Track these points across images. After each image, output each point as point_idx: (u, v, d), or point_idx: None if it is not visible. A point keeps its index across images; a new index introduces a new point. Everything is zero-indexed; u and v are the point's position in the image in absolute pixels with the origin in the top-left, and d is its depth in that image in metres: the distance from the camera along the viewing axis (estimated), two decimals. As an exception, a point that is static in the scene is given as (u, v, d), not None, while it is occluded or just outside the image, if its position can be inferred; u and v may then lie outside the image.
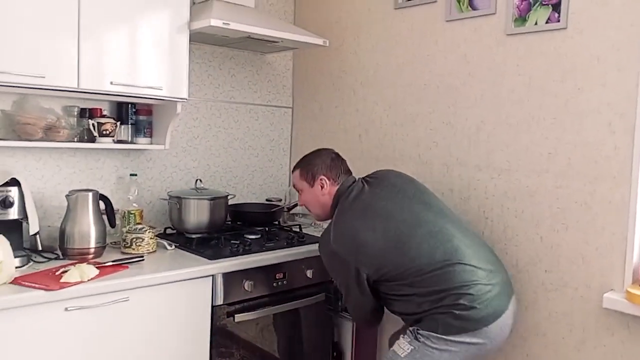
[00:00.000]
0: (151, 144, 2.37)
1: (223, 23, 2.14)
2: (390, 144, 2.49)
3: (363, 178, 2.02)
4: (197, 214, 2.31)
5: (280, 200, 2.78)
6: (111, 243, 2.13)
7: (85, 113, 2.20)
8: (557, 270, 1.94)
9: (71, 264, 1.80)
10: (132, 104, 2.31)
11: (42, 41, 1.83)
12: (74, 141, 2.13)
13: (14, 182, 1.84)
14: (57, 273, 1.73)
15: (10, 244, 1.69)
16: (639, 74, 1.73)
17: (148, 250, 2.07)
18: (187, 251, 2.14)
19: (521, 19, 2.01)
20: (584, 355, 1.89)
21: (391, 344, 1.88)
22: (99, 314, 1.73)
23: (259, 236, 2.36)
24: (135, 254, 2.02)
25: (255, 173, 2.88)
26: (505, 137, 2.08)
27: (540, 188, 1.98)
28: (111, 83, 2.00)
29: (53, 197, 2.19)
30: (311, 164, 2.03)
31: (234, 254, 2.10)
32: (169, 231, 2.39)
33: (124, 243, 2.07)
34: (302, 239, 2.37)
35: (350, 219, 1.87)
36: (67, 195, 1.98)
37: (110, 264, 1.88)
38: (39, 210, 1.97)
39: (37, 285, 1.63)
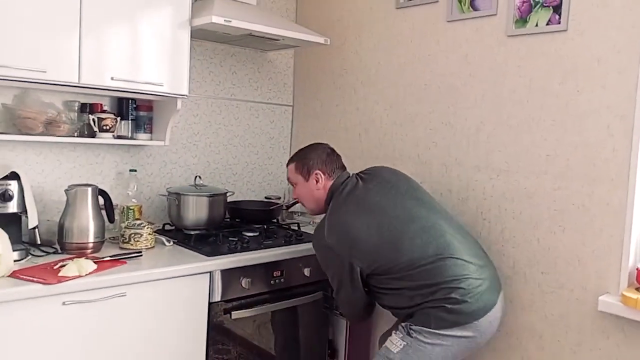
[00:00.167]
0: (151, 140, 2.38)
1: (224, 20, 2.14)
2: (390, 144, 2.50)
3: (357, 174, 2.04)
4: (195, 211, 2.31)
5: (279, 198, 2.79)
6: (110, 238, 2.14)
7: (86, 108, 2.20)
8: (553, 272, 1.94)
9: (69, 259, 1.81)
10: (132, 99, 2.32)
11: (44, 36, 1.84)
12: (74, 136, 2.14)
13: (14, 175, 1.85)
14: (55, 267, 1.74)
15: (9, 238, 1.69)
16: (638, 77, 1.73)
17: (146, 246, 2.08)
18: (185, 247, 2.15)
19: (522, 20, 2.01)
20: (580, 358, 1.89)
21: (381, 344, 1.89)
22: (97, 308, 1.74)
23: (257, 234, 2.37)
24: (133, 249, 2.03)
25: (255, 171, 2.89)
26: (504, 138, 2.08)
27: (539, 189, 1.98)
28: (112, 78, 2.00)
29: (53, 192, 2.19)
30: (307, 158, 2.04)
31: (232, 251, 2.11)
32: (167, 227, 2.40)
33: (123, 238, 2.07)
34: (300, 238, 2.37)
35: (344, 213, 1.88)
36: (66, 190, 1.99)
37: (109, 259, 1.88)
38: (38, 205, 1.98)
39: (35, 279, 1.64)
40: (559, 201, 1.93)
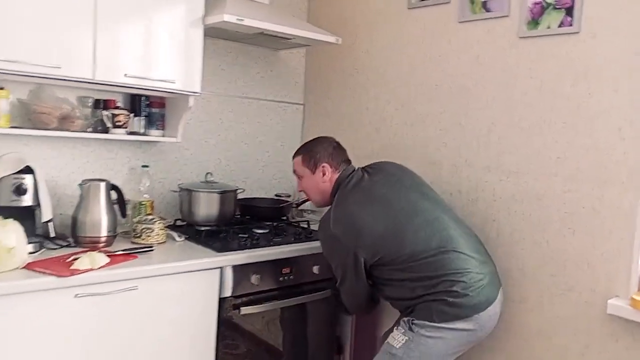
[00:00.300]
0: (163, 136, 2.40)
1: (237, 19, 2.16)
2: (401, 143, 2.50)
3: (362, 167, 2.07)
4: (206, 207, 2.34)
5: (289, 196, 2.80)
6: (122, 233, 2.17)
7: (100, 104, 2.23)
8: (562, 274, 1.94)
9: (82, 252, 1.83)
10: (145, 96, 2.34)
11: (59, 32, 1.86)
12: (87, 131, 2.16)
13: (29, 170, 1.88)
14: (68, 260, 1.77)
15: (24, 230, 1.72)
16: (651, 80, 1.73)
17: (157, 240, 2.10)
18: (196, 243, 2.17)
19: (534, 22, 2.00)
20: (588, 360, 1.89)
21: (384, 341, 1.90)
22: (108, 301, 1.76)
23: (267, 231, 2.38)
24: (144, 244, 2.06)
25: (266, 168, 2.91)
26: (515, 140, 2.08)
27: (549, 192, 1.98)
28: (125, 75, 2.02)
29: (66, 186, 2.22)
30: (313, 151, 2.07)
31: (242, 247, 2.12)
32: (178, 223, 2.42)
33: (134, 233, 2.10)
34: (309, 235, 2.39)
35: (350, 204, 1.91)
36: (80, 185, 2.02)
37: (120, 253, 1.91)
38: (52, 198, 2.01)
39: (48, 271, 1.66)
40: (569, 204, 1.92)
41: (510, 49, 2.09)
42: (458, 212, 2.22)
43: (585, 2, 1.87)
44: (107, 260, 1.80)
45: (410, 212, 1.87)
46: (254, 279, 2.09)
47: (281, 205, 2.64)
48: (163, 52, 2.13)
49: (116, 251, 1.91)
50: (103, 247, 1.97)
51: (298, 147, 2.18)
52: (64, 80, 1.93)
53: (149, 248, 2.00)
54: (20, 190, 1.83)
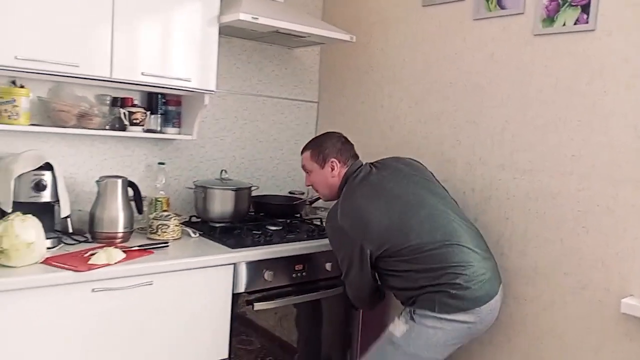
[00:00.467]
0: (179, 134, 2.43)
1: (252, 17, 2.18)
2: (415, 141, 2.50)
3: (370, 163, 2.10)
4: (221, 204, 2.36)
5: (303, 193, 2.82)
6: (138, 229, 2.20)
7: (117, 102, 2.26)
8: (576, 273, 1.93)
9: (99, 247, 1.87)
10: (161, 94, 2.37)
11: (78, 32, 1.90)
12: (105, 129, 2.20)
13: (48, 166, 1.91)
14: (85, 255, 1.80)
15: (43, 226, 1.75)
16: (668, 78, 1.71)
17: (173, 237, 2.13)
18: (211, 239, 2.19)
19: (549, 19, 1.99)
20: (601, 360, 1.88)
21: None
22: (124, 296, 1.79)
23: (280, 228, 2.40)
24: (160, 240, 2.09)
25: (280, 166, 2.92)
26: (530, 138, 2.07)
27: (563, 190, 1.97)
28: (142, 74, 2.05)
29: (84, 183, 2.26)
30: (322, 147, 2.10)
31: (255, 244, 2.15)
32: (194, 219, 2.45)
33: (150, 229, 2.13)
34: (322, 232, 2.39)
35: (358, 197, 1.94)
36: (97, 181, 2.05)
37: (136, 248, 1.94)
38: (70, 195, 2.04)
39: (66, 266, 1.70)
40: (584, 202, 1.91)
41: (526, 47, 2.08)
42: (471, 210, 2.23)
43: (602, 0, 1.85)
44: (124, 255, 1.83)
45: (416, 205, 1.90)
46: (267, 275, 2.11)
47: (294, 202, 2.66)
48: (179, 51, 2.16)
49: (132, 247, 1.95)
50: (120, 242, 2.00)
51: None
52: (82, 78, 1.97)
53: (164, 244, 2.03)
54: (39, 187, 1.87)
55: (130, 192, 2.11)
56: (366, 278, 1.92)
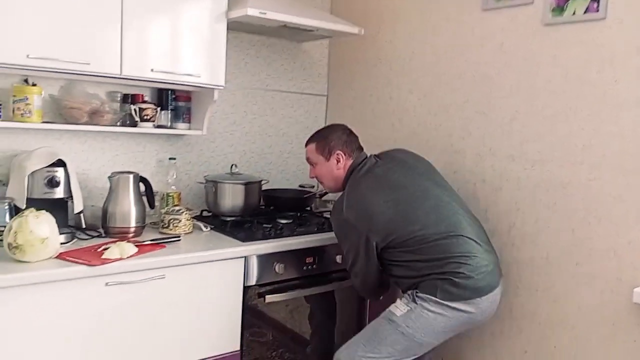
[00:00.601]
0: (189, 129, 2.45)
1: (259, 12, 2.18)
2: (424, 133, 2.50)
3: (375, 155, 2.10)
4: (232, 198, 2.38)
5: (313, 187, 2.82)
6: (150, 223, 2.22)
7: (128, 98, 2.29)
8: (588, 263, 1.92)
9: (112, 242, 1.89)
10: (171, 90, 2.39)
11: (88, 30, 1.91)
12: (117, 125, 2.23)
13: (61, 163, 1.94)
14: (99, 250, 1.82)
15: (56, 222, 1.78)
16: (679, 66, 1.69)
17: (184, 231, 2.15)
18: (222, 233, 2.21)
19: (559, 8, 1.97)
20: (613, 350, 1.87)
21: None
22: (137, 289, 1.82)
23: (290, 221, 2.41)
24: (172, 234, 2.11)
25: (289, 159, 2.93)
26: (539, 128, 2.06)
27: (574, 180, 1.96)
28: (152, 70, 2.07)
29: (97, 179, 2.29)
30: (328, 139, 2.10)
31: (266, 237, 2.16)
32: (205, 213, 2.47)
33: (162, 223, 2.15)
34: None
35: (363, 189, 1.95)
36: (109, 177, 2.08)
37: (149, 243, 1.96)
38: (83, 191, 2.07)
39: (80, 261, 1.72)
40: (594, 192, 1.90)
41: (535, 37, 2.06)
42: (482, 201, 2.23)
43: (612, -13, 1.83)
44: (136, 250, 1.85)
45: (422, 196, 1.91)
46: (278, 268, 2.12)
47: (305, 195, 2.67)
48: (188, 47, 2.17)
49: (144, 241, 1.97)
50: (132, 237, 2.03)
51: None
52: (93, 76, 1.99)
53: (176, 238, 2.05)
54: (52, 183, 1.90)
55: (142, 187, 2.13)
56: (372, 269, 1.93)
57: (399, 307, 1.82)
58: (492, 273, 1.84)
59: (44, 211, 1.76)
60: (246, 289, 2.07)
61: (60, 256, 1.75)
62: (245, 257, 2.05)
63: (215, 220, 2.37)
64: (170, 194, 2.36)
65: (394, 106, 2.64)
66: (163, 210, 2.20)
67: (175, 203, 2.35)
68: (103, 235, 2.04)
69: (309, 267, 2.23)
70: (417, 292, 1.81)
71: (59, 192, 1.92)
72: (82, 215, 2.00)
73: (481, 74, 2.25)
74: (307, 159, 2.19)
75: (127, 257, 1.80)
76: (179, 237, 2.08)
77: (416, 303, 1.79)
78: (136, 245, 1.88)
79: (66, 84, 2.14)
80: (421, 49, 2.50)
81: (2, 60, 1.77)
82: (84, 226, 2.02)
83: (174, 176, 2.42)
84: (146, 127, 2.27)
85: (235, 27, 2.44)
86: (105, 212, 2.05)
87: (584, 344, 1.95)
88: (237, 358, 2.08)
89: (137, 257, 1.82)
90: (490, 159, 2.23)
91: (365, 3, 2.77)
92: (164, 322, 1.90)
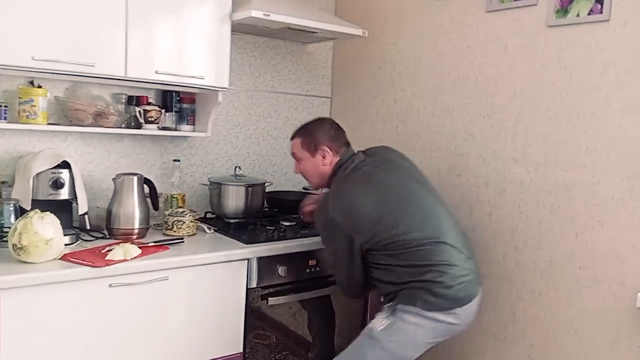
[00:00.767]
0: (194, 131, 2.46)
1: (263, 14, 2.19)
2: (427, 135, 2.49)
3: (362, 151, 2.06)
4: (235, 200, 2.39)
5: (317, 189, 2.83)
6: (154, 225, 2.24)
7: (132, 100, 2.30)
8: (591, 267, 1.92)
9: (116, 243, 1.91)
10: (176, 92, 2.40)
11: (93, 32, 1.93)
12: (121, 127, 2.24)
13: (65, 164, 1.95)
14: (103, 251, 1.84)
15: (61, 223, 1.79)
16: (683, 68, 1.68)
17: (188, 232, 2.16)
18: (225, 235, 2.22)
19: (563, 10, 1.97)
20: (617, 355, 1.86)
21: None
22: (141, 290, 1.83)
23: (294, 223, 2.41)
24: (176, 236, 2.12)
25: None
26: (543, 130, 2.05)
27: (577, 183, 1.95)
28: (156, 72, 2.08)
29: (101, 180, 2.30)
30: (313, 134, 2.04)
31: (269, 239, 2.16)
32: (209, 215, 2.48)
33: (166, 225, 2.16)
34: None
35: (349, 188, 1.91)
36: (114, 179, 2.09)
37: (152, 244, 1.97)
38: (88, 192, 2.08)
39: (84, 262, 1.74)
40: (598, 195, 1.89)
41: (539, 38, 2.06)
42: (485, 204, 2.22)
43: (616, -11, 1.83)
44: (140, 251, 1.86)
45: (407, 197, 1.87)
46: (281, 270, 2.13)
47: (308, 198, 2.67)
48: (192, 49, 2.18)
49: (148, 243, 1.98)
50: (136, 238, 2.04)
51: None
52: (98, 78, 2.00)
53: (179, 240, 2.06)
54: (57, 184, 1.91)
55: (146, 189, 2.14)
56: (356, 269, 1.89)
57: (378, 322, 1.78)
58: (472, 282, 1.80)
59: (48, 212, 1.77)
60: (249, 291, 2.07)
61: (64, 257, 1.77)
62: (248, 259, 2.06)
63: (219, 222, 2.38)
64: (175, 196, 2.37)
65: (398, 108, 2.64)
66: (167, 212, 2.20)
67: (179, 205, 2.36)
68: (107, 236, 2.05)
69: (312, 269, 2.24)
70: (396, 304, 1.77)
71: (64, 194, 1.93)
72: (86, 216, 2.01)
73: (485, 76, 2.25)
74: (292, 154, 2.13)
75: (131, 259, 1.81)
76: (183, 238, 2.09)
77: (395, 316, 1.75)
78: (140, 247, 1.89)
79: (71, 86, 2.16)
80: (425, 50, 2.50)
81: (7, 62, 1.79)
82: (88, 227, 2.03)
83: (178, 178, 2.42)
84: (151, 129, 2.28)
85: (239, 29, 2.44)
86: (109, 213, 2.06)
87: (588, 348, 1.94)
88: (240, 360, 2.08)
89: (141, 258, 1.83)
90: (493, 161, 2.23)
91: (369, 5, 2.78)
92: (167, 324, 1.91)
